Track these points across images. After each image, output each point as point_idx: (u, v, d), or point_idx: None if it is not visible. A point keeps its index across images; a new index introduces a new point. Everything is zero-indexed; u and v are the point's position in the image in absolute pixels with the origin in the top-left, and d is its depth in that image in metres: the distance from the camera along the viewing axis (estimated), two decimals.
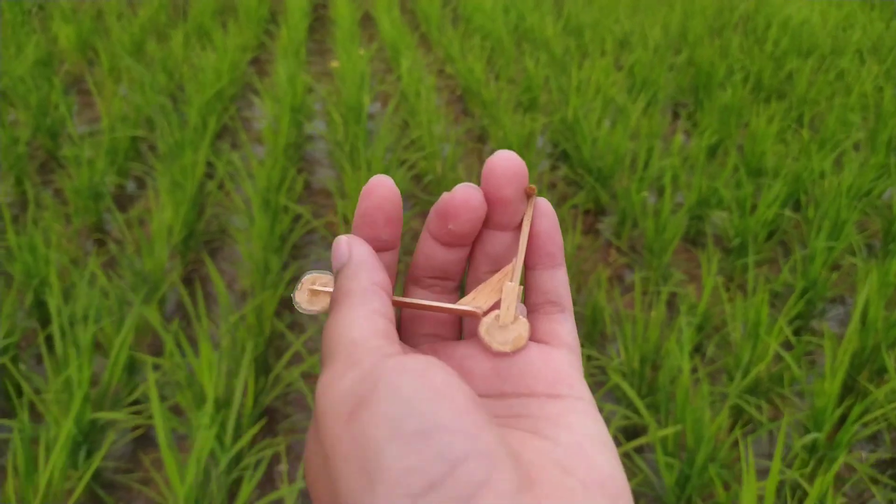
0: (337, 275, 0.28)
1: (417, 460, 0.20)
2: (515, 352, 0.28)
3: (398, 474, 0.20)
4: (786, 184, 2.44)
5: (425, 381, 0.22)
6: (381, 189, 0.28)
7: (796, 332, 2.09)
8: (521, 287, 0.28)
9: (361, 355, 0.23)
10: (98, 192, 2.36)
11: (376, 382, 0.22)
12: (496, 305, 0.28)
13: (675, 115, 3.56)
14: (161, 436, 1.31)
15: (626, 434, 1.75)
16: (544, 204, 0.29)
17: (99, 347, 1.87)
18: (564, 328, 0.29)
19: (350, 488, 0.21)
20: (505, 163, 0.28)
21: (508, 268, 0.29)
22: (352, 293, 0.26)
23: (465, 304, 0.28)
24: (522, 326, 0.28)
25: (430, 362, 0.22)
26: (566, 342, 0.29)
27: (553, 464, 0.23)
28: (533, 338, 0.29)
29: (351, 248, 0.28)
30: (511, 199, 0.28)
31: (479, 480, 0.20)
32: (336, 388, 0.23)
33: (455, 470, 0.20)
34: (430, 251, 0.29)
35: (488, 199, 0.28)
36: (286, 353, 1.91)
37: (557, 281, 0.29)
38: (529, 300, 0.30)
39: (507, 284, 0.28)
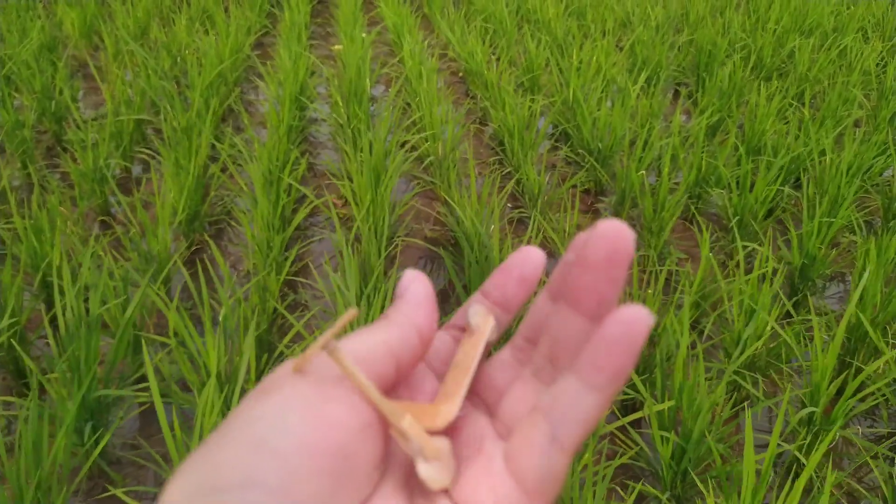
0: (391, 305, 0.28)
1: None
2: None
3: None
4: (785, 162, 2.44)
5: (285, 420, 0.21)
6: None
7: (794, 309, 2.11)
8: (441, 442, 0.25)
9: (316, 367, 0.23)
10: (103, 175, 2.39)
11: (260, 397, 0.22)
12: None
13: (676, 95, 3.56)
14: (161, 415, 1.34)
15: (622, 409, 1.78)
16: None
17: (105, 327, 1.91)
18: (536, 460, 0.24)
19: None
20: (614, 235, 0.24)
21: (427, 408, 0.26)
22: (382, 320, 0.27)
23: (404, 417, 0.24)
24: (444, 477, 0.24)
25: (309, 401, 0.22)
26: (524, 477, 0.24)
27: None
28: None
29: (410, 284, 0.28)
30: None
31: None
32: (269, 376, 0.24)
33: None
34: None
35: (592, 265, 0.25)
36: (290, 332, 1.94)
37: (579, 407, 0.24)
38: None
39: (407, 420, 0.24)
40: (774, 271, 2.20)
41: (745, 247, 2.31)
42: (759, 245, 2.38)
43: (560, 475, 0.23)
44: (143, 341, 1.76)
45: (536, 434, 0.23)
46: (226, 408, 1.53)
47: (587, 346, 0.23)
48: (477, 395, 0.29)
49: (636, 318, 0.22)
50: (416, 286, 0.28)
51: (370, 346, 0.25)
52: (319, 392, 0.22)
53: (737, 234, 1.92)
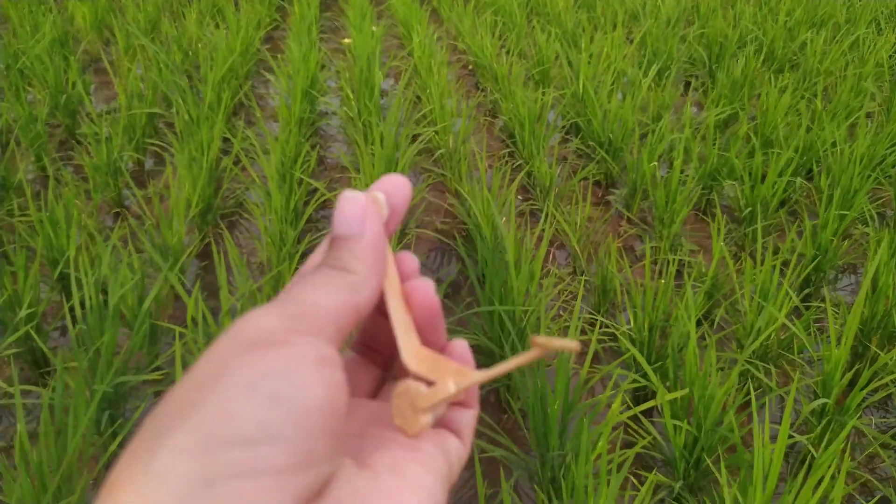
0: (339, 239, 0.26)
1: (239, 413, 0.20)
2: (401, 433, 0.26)
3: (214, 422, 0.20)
4: (798, 154, 2.44)
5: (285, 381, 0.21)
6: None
7: (806, 300, 2.11)
8: (459, 394, 0.26)
9: (298, 325, 0.22)
10: (117, 168, 2.41)
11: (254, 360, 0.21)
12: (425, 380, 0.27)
13: (687, 87, 3.55)
14: None
15: (635, 399, 1.78)
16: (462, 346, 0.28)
17: (121, 318, 1.92)
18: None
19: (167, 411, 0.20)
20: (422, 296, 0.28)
21: (467, 371, 0.27)
22: (350, 273, 0.25)
23: (413, 350, 0.26)
24: (423, 426, 0.26)
25: (315, 363, 0.21)
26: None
27: (355, 494, 0.23)
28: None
29: (365, 223, 0.26)
30: None
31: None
32: (252, 325, 0.22)
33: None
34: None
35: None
36: None
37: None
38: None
39: (448, 381, 0.26)
40: (788, 263, 2.20)
41: (757, 238, 2.31)
42: (772, 236, 2.38)
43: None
44: (157, 332, 1.78)
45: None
46: None
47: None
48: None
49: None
50: (374, 224, 0.26)
51: (341, 309, 0.24)
52: (318, 351, 0.22)
53: (758, 228, 1.92)
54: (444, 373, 0.26)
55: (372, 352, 0.30)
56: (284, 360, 0.21)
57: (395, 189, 0.27)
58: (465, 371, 0.26)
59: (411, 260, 0.28)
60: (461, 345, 0.28)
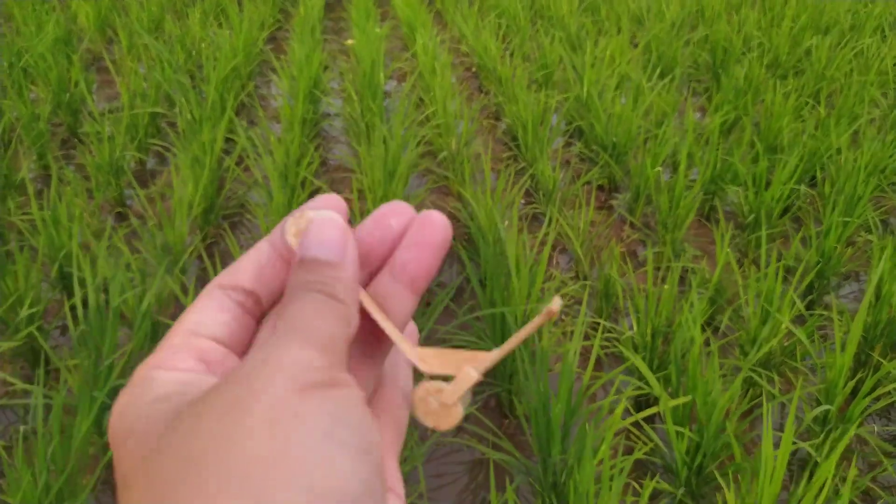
0: (315, 264, 0.23)
1: None
2: (435, 429, 0.27)
3: None
4: (801, 160, 2.43)
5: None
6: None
7: (809, 307, 2.10)
8: (481, 378, 0.26)
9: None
10: (119, 167, 2.40)
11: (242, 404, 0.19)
12: (442, 377, 0.27)
13: (691, 92, 3.55)
14: None
15: (637, 405, 1.78)
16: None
17: (122, 318, 1.92)
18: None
19: None
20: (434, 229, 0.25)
21: (481, 354, 0.27)
22: (340, 303, 0.23)
23: (417, 354, 0.26)
24: (457, 416, 0.26)
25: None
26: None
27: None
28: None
29: (346, 249, 0.24)
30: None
31: None
32: (293, 359, 0.20)
33: None
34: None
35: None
36: None
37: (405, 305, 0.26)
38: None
39: (469, 369, 0.26)
40: (792, 270, 2.20)
41: (760, 244, 2.30)
42: (776, 243, 2.37)
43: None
44: (158, 331, 1.77)
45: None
46: None
47: (401, 250, 0.25)
48: None
49: (438, 222, 0.25)
50: (354, 250, 0.24)
51: (346, 342, 0.22)
52: (360, 391, 0.21)
53: (763, 234, 1.92)
54: (458, 363, 0.26)
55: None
56: (345, 405, 0.20)
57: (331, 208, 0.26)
58: (478, 355, 0.26)
59: (406, 209, 0.26)
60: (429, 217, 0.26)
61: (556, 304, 0.24)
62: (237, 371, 0.20)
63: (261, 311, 0.25)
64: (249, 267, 0.25)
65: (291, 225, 0.25)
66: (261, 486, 0.17)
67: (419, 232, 0.25)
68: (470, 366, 0.26)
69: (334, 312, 0.22)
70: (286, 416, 0.19)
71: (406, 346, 0.26)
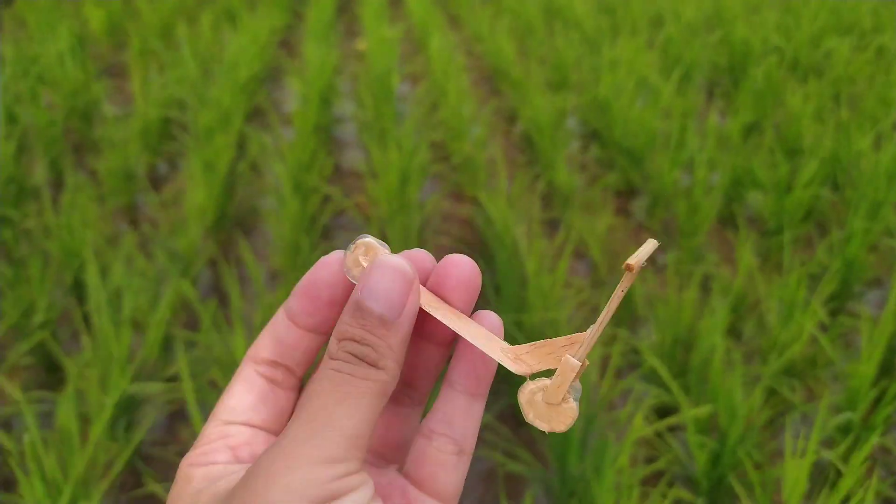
0: (369, 317, 0.22)
1: None
2: (551, 431, 0.25)
3: None
4: (823, 164, 2.39)
5: None
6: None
7: (832, 314, 2.06)
8: (586, 364, 0.25)
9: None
10: (131, 173, 2.39)
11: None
12: (545, 371, 0.25)
13: (710, 95, 3.50)
14: (193, 410, 1.33)
15: (658, 413, 1.75)
16: (493, 317, 0.26)
17: (135, 325, 1.91)
18: (453, 476, 0.25)
19: None
20: (458, 269, 0.25)
21: (577, 336, 0.25)
22: (380, 370, 0.22)
23: (510, 356, 0.25)
24: (570, 412, 0.24)
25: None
26: (447, 494, 0.25)
27: None
28: (409, 475, 0.25)
29: (406, 307, 0.22)
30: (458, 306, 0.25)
31: None
32: (303, 478, 0.21)
33: None
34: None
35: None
36: None
37: (471, 415, 0.26)
38: (427, 423, 0.26)
39: (567, 358, 0.24)
40: (814, 276, 2.16)
41: (781, 250, 2.26)
42: (797, 248, 2.33)
43: (464, 477, 0.26)
44: (171, 339, 1.75)
45: (444, 455, 0.25)
46: None
47: (457, 361, 0.25)
48: None
49: (494, 319, 0.25)
50: (414, 306, 0.23)
51: (372, 423, 0.23)
52: (371, 490, 0.23)
53: (786, 239, 1.88)
54: (556, 353, 0.25)
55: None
56: None
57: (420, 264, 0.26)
58: (574, 339, 0.25)
59: (426, 258, 0.26)
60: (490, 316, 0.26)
61: (644, 252, 0.21)
62: (256, 468, 0.21)
63: (295, 377, 0.25)
64: (267, 338, 0.25)
65: (355, 256, 0.24)
66: None
67: (446, 276, 0.25)
68: (569, 353, 0.24)
69: (369, 392, 0.22)
70: None
71: (494, 352, 0.24)
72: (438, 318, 0.24)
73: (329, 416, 0.21)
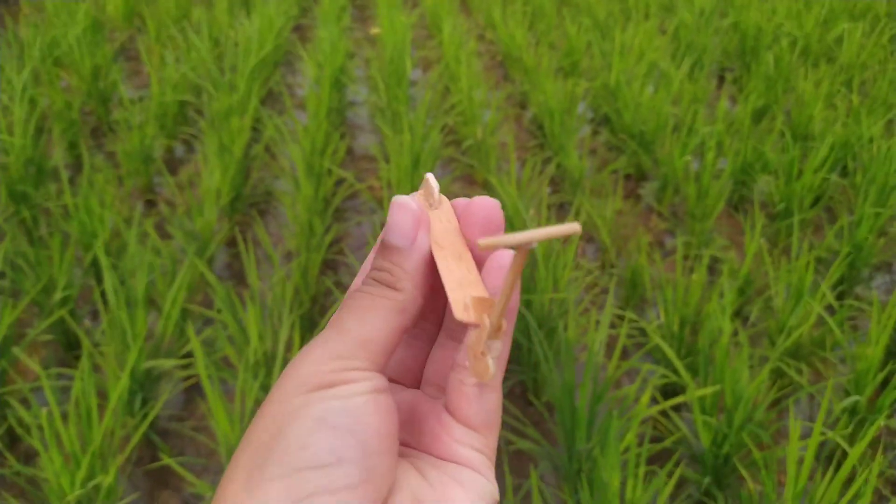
0: (387, 249, 0.26)
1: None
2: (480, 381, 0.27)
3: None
4: (833, 149, 2.40)
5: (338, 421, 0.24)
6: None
7: (840, 298, 2.08)
8: (497, 327, 0.26)
9: (355, 362, 0.25)
10: (148, 155, 2.43)
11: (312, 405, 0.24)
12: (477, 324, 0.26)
13: (721, 80, 3.50)
14: (206, 384, 1.37)
15: (664, 394, 1.77)
16: (489, 202, 0.28)
17: (152, 303, 1.95)
18: (476, 406, 0.27)
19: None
20: (482, 209, 0.27)
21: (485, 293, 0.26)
22: (398, 291, 0.26)
23: (468, 304, 0.26)
24: (484, 367, 0.26)
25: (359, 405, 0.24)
26: (474, 424, 0.27)
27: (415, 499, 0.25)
28: (446, 404, 0.28)
29: (418, 233, 0.26)
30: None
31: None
32: (310, 369, 0.24)
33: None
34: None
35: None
36: (330, 310, 1.96)
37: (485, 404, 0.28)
38: (456, 357, 0.28)
39: (483, 317, 0.26)
40: (823, 260, 2.17)
41: (791, 234, 2.28)
42: (806, 232, 2.34)
43: (497, 407, 0.28)
44: (188, 317, 1.79)
45: (465, 387, 0.27)
46: (267, 380, 1.55)
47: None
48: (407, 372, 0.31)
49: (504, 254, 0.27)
50: (425, 236, 0.26)
51: (390, 336, 0.26)
52: (370, 384, 0.25)
53: (795, 222, 1.89)
54: (484, 308, 0.26)
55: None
56: (343, 396, 0.24)
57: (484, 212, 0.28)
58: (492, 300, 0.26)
59: (491, 203, 0.28)
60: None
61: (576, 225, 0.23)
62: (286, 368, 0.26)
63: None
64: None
65: (420, 192, 0.28)
66: (262, 465, 0.23)
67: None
68: (486, 313, 0.26)
69: (383, 305, 0.25)
70: (286, 413, 0.24)
71: (455, 294, 0.26)
72: (434, 252, 0.26)
73: (342, 324, 0.25)
